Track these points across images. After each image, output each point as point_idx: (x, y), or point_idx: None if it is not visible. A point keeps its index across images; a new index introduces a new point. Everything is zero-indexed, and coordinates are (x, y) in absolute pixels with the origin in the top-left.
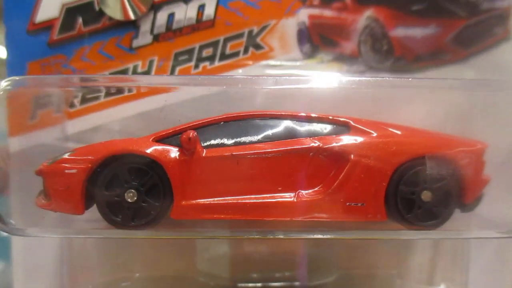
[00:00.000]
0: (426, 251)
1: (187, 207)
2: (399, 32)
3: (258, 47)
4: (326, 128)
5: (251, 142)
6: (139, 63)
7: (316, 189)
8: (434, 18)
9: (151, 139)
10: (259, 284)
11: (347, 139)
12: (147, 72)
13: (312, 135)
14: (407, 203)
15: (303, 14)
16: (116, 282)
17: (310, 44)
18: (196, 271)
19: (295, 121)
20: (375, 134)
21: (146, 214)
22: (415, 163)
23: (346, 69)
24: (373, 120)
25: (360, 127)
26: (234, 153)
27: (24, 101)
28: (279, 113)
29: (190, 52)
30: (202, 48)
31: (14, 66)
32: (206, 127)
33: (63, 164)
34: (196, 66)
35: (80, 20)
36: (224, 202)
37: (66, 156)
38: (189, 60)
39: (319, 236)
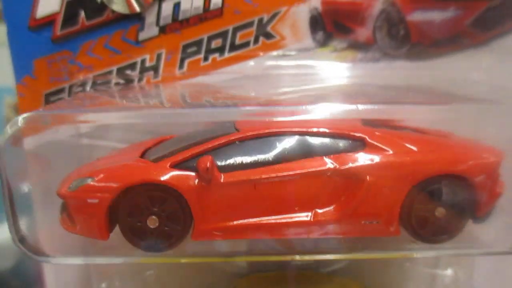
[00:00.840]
0: None
1: (207, 229)
2: (417, 16)
3: (269, 36)
4: (342, 144)
5: (268, 163)
6: (147, 56)
7: (331, 208)
8: (454, 0)
9: (168, 165)
10: (274, 272)
11: (363, 159)
12: (155, 66)
13: (328, 152)
14: (421, 219)
15: (316, 0)
16: (141, 270)
17: (323, 32)
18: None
19: (310, 138)
20: (390, 152)
21: (168, 237)
22: (430, 181)
23: (360, 57)
24: (389, 133)
25: (376, 143)
26: (251, 178)
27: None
28: (294, 130)
29: (198, 43)
30: (210, 39)
31: (20, 64)
32: (222, 148)
33: (84, 193)
34: (206, 59)
35: (82, 13)
36: (242, 223)
37: (88, 182)
38: (198, 52)
39: (333, 256)
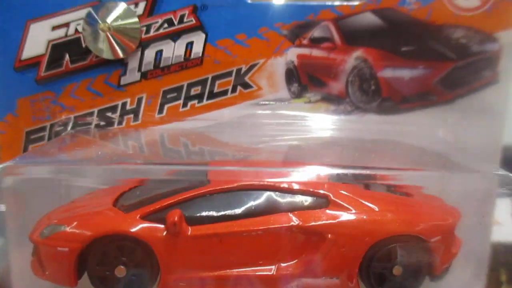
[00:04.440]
0: None
1: (173, 280)
2: (387, 73)
3: (246, 85)
4: (307, 200)
5: (234, 217)
6: (128, 100)
7: (294, 262)
8: (423, 60)
9: (138, 216)
10: None
11: (325, 217)
12: (135, 110)
13: (293, 208)
14: (379, 277)
15: (292, 54)
16: None
17: (298, 84)
18: None
19: (276, 193)
20: (352, 211)
21: (135, 286)
22: (388, 241)
23: (333, 109)
24: (353, 191)
25: (339, 202)
26: (217, 232)
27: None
28: (262, 185)
29: (178, 90)
30: (190, 86)
31: (3, 102)
32: (191, 201)
33: (55, 241)
34: (185, 105)
35: (67, 57)
36: (207, 275)
37: (59, 230)
38: (178, 98)
39: None
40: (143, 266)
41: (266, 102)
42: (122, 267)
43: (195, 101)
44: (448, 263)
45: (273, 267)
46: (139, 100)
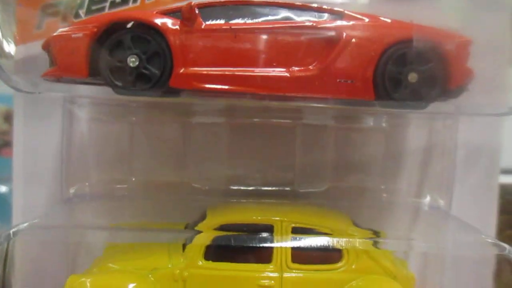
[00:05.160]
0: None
1: (185, 75)
2: None
3: None
4: (322, 16)
5: (249, 21)
6: None
7: (308, 66)
8: None
9: (155, 12)
10: (251, 188)
11: (340, 22)
12: None
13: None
14: (394, 83)
15: None
16: (112, 182)
17: None
18: (191, 177)
19: (292, 10)
20: (366, 20)
21: (146, 80)
22: (403, 45)
23: None
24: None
25: (353, 14)
26: (232, 27)
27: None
28: (278, 2)
29: None
30: None
31: None
32: (207, 8)
33: (70, 31)
34: None
35: None
36: (220, 73)
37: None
38: None
39: (312, 104)
40: (156, 58)
41: None
42: (135, 56)
43: None
44: (464, 81)
45: (287, 69)
46: None
